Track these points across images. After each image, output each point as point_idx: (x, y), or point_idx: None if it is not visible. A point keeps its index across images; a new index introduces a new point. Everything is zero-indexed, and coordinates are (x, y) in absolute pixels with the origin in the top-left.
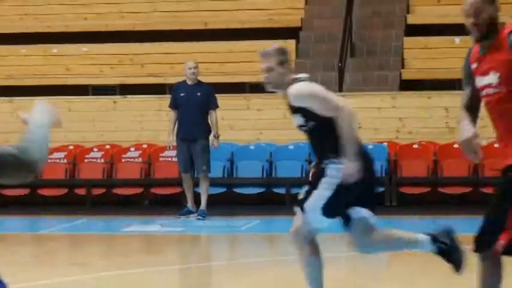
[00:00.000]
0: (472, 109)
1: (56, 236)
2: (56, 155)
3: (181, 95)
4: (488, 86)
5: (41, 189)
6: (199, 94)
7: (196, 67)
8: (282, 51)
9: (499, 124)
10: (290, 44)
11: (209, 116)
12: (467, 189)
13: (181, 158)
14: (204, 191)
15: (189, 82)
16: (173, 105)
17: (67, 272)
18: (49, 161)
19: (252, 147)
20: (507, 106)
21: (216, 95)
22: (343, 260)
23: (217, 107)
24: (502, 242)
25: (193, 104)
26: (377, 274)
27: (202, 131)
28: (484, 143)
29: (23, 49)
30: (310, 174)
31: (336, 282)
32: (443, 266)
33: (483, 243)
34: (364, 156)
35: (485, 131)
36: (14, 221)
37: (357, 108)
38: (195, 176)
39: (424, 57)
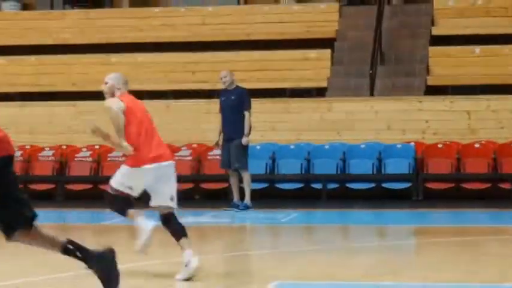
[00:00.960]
0: None
1: (116, 227)
2: (114, 154)
3: (222, 99)
4: None
5: (103, 185)
6: (233, 98)
7: (226, 76)
8: None
9: None
10: (325, 53)
11: None
12: (487, 185)
13: (222, 156)
14: (245, 185)
15: (227, 88)
16: (219, 110)
17: (127, 259)
18: (108, 159)
19: (291, 146)
20: None
21: (259, 99)
22: (374, 249)
23: (250, 108)
24: None
25: (229, 107)
26: (405, 262)
27: (237, 131)
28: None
29: (85, 58)
30: None
31: (367, 269)
32: (468, 255)
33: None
34: None
35: (503, 131)
36: (79, 213)
37: (387, 111)
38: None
39: (447, 65)
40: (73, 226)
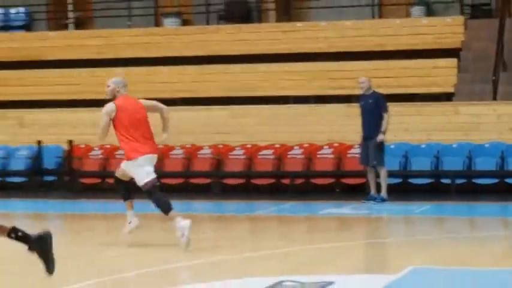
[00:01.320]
0: None
1: (267, 217)
2: (264, 152)
3: (361, 103)
4: None
5: (254, 179)
6: (370, 101)
7: (363, 82)
8: None
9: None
10: (452, 62)
11: None
12: None
13: (361, 153)
14: (382, 180)
15: (365, 93)
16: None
17: (276, 244)
18: (259, 157)
19: (422, 146)
20: None
21: (393, 103)
22: (500, 238)
23: (387, 110)
24: None
25: (367, 110)
26: None
27: (374, 131)
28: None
29: (236, 68)
30: None
31: (496, 257)
32: None
33: None
34: None
35: None
36: (233, 204)
37: (509, 114)
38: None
39: None
40: (227, 216)
